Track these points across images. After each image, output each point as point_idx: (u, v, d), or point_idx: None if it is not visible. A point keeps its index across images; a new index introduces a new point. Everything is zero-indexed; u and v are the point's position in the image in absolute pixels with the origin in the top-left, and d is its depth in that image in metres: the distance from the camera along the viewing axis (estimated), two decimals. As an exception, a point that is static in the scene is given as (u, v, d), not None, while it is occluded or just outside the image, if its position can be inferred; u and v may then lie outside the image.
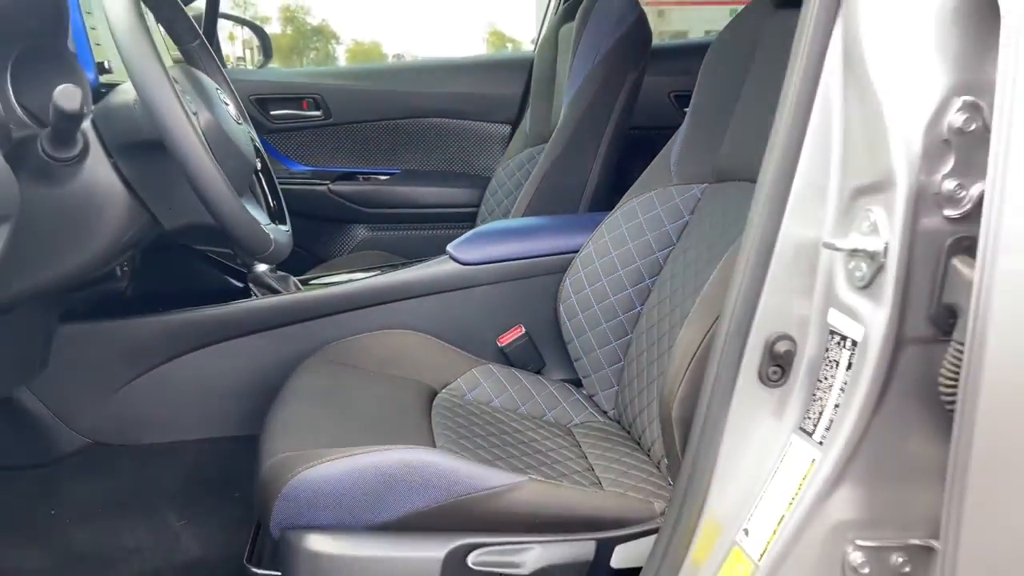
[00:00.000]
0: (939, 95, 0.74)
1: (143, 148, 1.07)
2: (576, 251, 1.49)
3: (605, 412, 1.45)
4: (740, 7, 1.41)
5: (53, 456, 1.44)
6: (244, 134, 1.21)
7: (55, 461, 1.45)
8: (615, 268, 1.45)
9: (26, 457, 1.44)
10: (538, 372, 1.52)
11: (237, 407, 1.47)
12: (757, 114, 1.29)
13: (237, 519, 1.45)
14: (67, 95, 0.92)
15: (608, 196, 1.80)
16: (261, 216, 1.20)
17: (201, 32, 1.31)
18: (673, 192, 1.44)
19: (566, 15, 2.09)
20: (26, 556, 1.41)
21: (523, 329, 1.52)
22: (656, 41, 2.02)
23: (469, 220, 2.31)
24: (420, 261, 1.56)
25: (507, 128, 2.43)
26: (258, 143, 1.34)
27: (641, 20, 1.83)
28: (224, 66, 1.42)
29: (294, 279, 1.56)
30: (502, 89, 2.43)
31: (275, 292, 1.51)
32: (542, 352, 1.54)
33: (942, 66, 0.75)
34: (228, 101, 1.20)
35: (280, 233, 1.21)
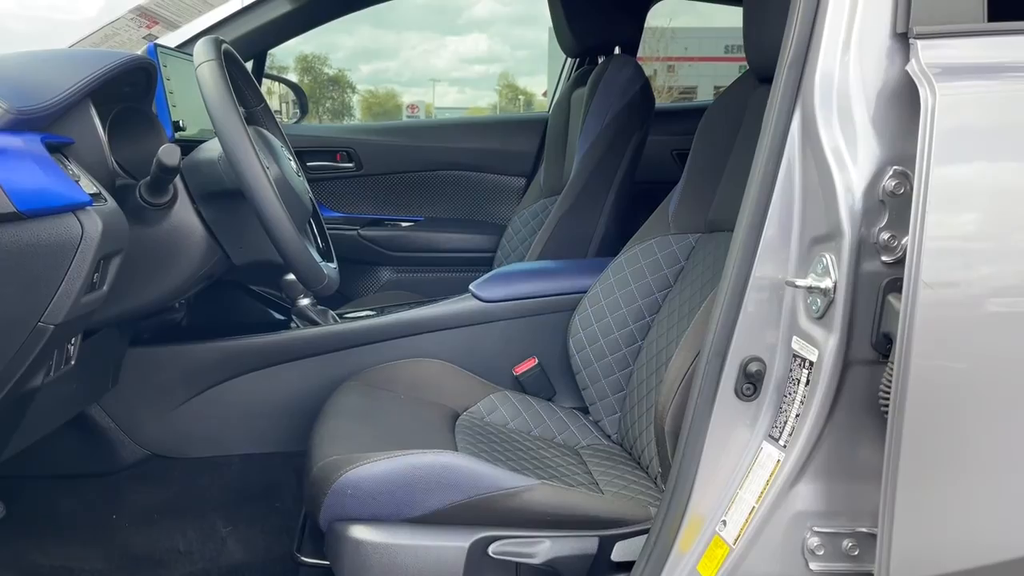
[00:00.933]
0: (876, 165, 0.93)
1: (223, 196, 1.27)
2: (585, 291, 1.67)
3: (609, 436, 1.62)
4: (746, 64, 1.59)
5: (116, 466, 1.61)
6: (302, 184, 1.41)
7: (118, 471, 1.62)
8: (619, 307, 1.62)
9: (93, 466, 1.61)
10: (549, 399, 1.69)
11: (280, 425, 1.64)
12: (743, 174, 1.47)
13: (277, 526, 1.61)
14: (169, 152, 1.12)
15: (614, 243, 1.98)
16: (315, 255, 1.39)
17: (264, 100, 1.52)
18: (671, 240, 1.62)
19: (578, 81, 2.31)
20: (88, 556, 1.57)
21: (536, 360, 1.69)
22: (660, 104, 2.23)
23: (486, 264, 2.49)
24: (444, 299, 1.74)
25: (522, 181, 2.64)
26: (310, 192, 1.54)
27: (645, 88, 2.04)
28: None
29: (332, 312, 1.74)
30: (518, 146, 2.64)
31: (316, 324, 1.69)
32: (553, 381, 1.70)
33: (878, 141, 0.94)
34: (290, 157, 1.41)
35: (330, 269, 1.40)
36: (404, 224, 2.63)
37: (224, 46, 1.30)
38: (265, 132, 1.38)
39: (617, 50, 2.20)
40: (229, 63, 1.32)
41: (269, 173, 1.21)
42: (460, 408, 1.57)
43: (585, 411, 1.66)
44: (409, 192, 2.66)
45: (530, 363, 1.69)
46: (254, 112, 1.51)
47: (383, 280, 2.58)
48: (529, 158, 2.62)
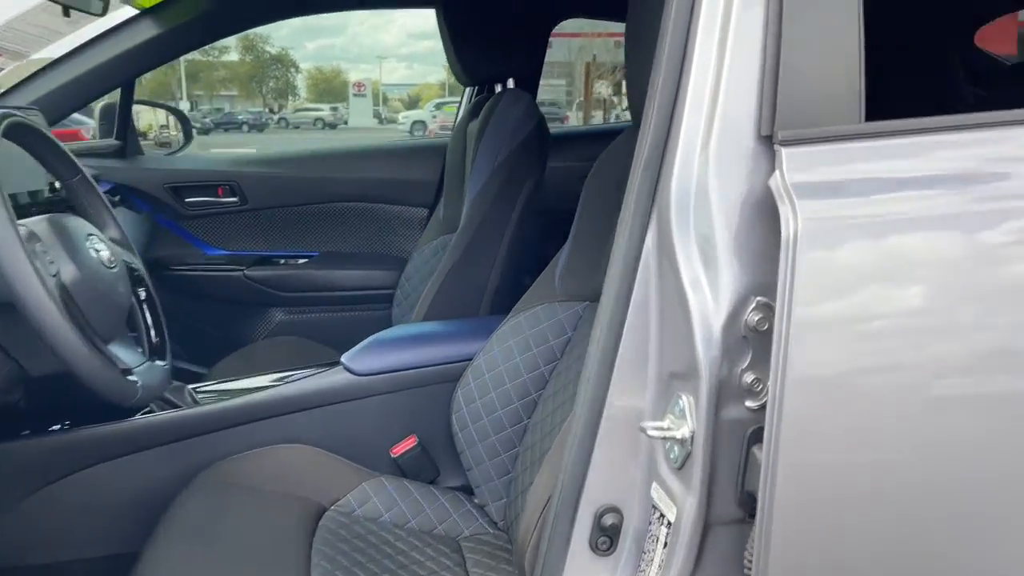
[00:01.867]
0: (738, 293, 0.79)
1: (4, 307, 1.09)
2: (470, 359, 1.52)
3: (496, 523, 1.48)
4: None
5: None
6: (117, 276, 1.22)
7: None
8: (503, 381, 1.48)
9: None
10: (431, 481, 1.55)
11: (131, 523, 1.46)
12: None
13: None
14: None
15: (509, 295, 1.83)
16: (134, 357, 1.21)
17: (81, 169, 1.32)
18: (557, 308, 1.48)
19: (473, 111, 2.14)
20: None
21: (416, 439, 1.54)
22: (562, 128, 2.07)
23: (386, 301, 2.33)
24: (314, 370, 1.58)
25: (424, 211, 2.48)
26: (143, 272, 1.36)
27: (540, 125, 1.88)
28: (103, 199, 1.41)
29: (189, 388, 1.57)
30: (419, 174, 2.47)
31: (171, 404, 1.51)
32: (436, 460, 1.56)
33: (740, 265, 0.80)
34: (101, 243, 1.22)
35: (154, 372, 1.23)
36: (298, 261, 2.45)
37: (11, 120, 1.10)
38: (65, 220, 1.19)
39: (511, 83, 2.04)
40: (25, 138, 1.13)
41: (58, 276, 1.03)
42: (328, 502, 1.42)
43: (471, 491, 1.52)
44: (301, 226, 2.47)
45: (409, 442, 1.54)
46: (69, 185, 1.31)
47: (275, 323, 2.39)
48: (431, 187, 2.45)
